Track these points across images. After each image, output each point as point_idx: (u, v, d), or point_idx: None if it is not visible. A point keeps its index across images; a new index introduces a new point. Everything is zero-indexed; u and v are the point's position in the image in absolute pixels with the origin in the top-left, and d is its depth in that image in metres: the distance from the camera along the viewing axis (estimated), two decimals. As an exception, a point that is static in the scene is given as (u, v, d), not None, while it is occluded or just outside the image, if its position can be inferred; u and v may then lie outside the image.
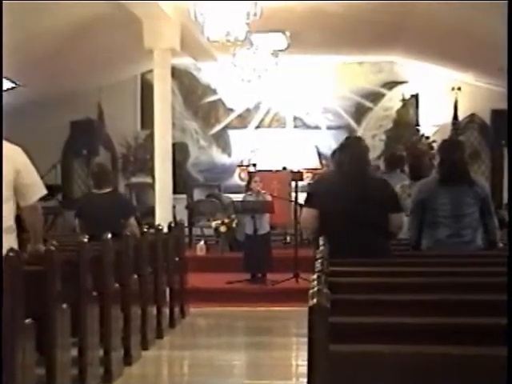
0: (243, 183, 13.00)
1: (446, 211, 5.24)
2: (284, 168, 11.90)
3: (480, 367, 2.34)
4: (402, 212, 5.07)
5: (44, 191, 4.55)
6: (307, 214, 5.00)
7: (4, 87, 9.73)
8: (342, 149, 5.09)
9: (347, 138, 5.29)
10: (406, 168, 7.78)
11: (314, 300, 2.48)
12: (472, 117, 13.64)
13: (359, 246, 4.67)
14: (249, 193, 9.60)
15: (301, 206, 10.53)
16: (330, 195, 4.86)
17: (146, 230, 6.86)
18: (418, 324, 2.71)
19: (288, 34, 11.23)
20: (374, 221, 4.80)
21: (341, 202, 4.80)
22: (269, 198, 9.48)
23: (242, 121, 14.10)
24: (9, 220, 4.33)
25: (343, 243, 4.65)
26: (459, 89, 13.45)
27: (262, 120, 14.08)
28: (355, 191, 4.83)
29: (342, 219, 4.78)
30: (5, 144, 4.35)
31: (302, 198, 10.12)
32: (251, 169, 12.30)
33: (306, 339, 2.50)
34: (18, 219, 4.50)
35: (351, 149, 5.01)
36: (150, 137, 11.39)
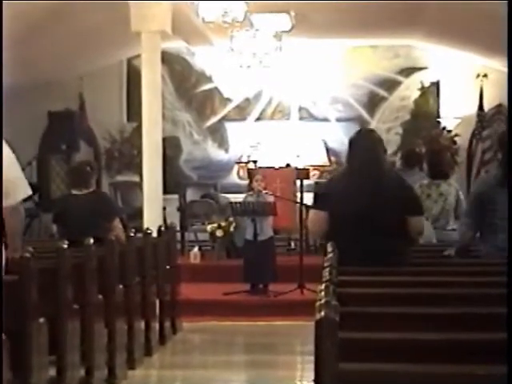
0: (242, 182, 13.01)
1: (506, 213, 5.12)
2: (288, 165, 11.92)
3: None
4: (422, 215, 5.07)
5: (29, 191, 4.48)
6: (315, 217, 4.99)
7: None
8: (352, 143, 5.08)
9: (359, 131, 5.29)
10: (426, 165, 7.79)
11: (322, 313, 2.49)
12: (499, 107, 13.63)
13: (373, 254, 4.66)
14: (250, 193, 9.60)
15: (307, 207, 10.59)
16: (341, 196, 4.85)
17: (132, 234, 6.87)
18: (437, 340, 2.72)
19: (292, 14, 11.24)
20: (390, 225, 4.79)
21: (353, 204, 4.79)
22: (271, 198, 9.45)
23: (241, 112, 14.11)
24: None
25: (355, 250, 4.66)
26: (485, 76, 13.45)
27: (264, 111, 14.09)
28: (369, 191, 4.82)
29: (353, 223, 4.77)
30: None
31: (308, 198, 10.16)
32: (251, 166, 12.32)
33: (312, 357, 2.52)
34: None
35: (363, 143, 5.01)
36: (138, 130, 11.39)
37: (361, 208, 4.77)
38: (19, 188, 4.36)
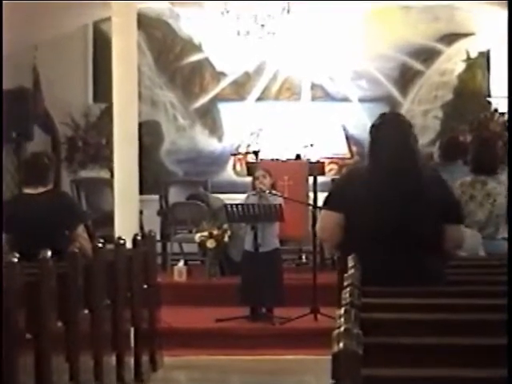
0: (239, 179, 13.03)
1: None
2: (298, 157, 11.93)
3: None
4: (462, 223, 5.10)
5: None
6: (328, 220, 5.00)
7: None
8: (375, 131, 5.09)
9: (382, 116, 5.31)
10: (470, 158, 7.78)
11: (340, 344, 2.52)
12: None
13: (401, 271, 4.69)
14: (253, 192, 9.61)
15: (321, 210, 10.56)
16: (361, 196, 4.87)
17: (101, 245, 6.89)
18: (484, 379, 2.74)
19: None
20: (423, 234, 4.81)
21: (377, 209, 4.81)
22: (277, 200, 9.43)
23: (239, 90, 14.13)
24: None
25: (378, 265, 4.68)
26: (547, 44, 13.48)
27: (267, 89, 14.10)
28: (400, 194, 4.84)
29: (378, 232, 4.79)
30: None
31: (323, 199, 10.15)
32: (251, 158, 12.33)
33: (327, 400, 2.54)
34: None
35: (390, 131, 5.02)
36: (107, 113, 11.41)
37: (388, 214, 4.79)
38: None
